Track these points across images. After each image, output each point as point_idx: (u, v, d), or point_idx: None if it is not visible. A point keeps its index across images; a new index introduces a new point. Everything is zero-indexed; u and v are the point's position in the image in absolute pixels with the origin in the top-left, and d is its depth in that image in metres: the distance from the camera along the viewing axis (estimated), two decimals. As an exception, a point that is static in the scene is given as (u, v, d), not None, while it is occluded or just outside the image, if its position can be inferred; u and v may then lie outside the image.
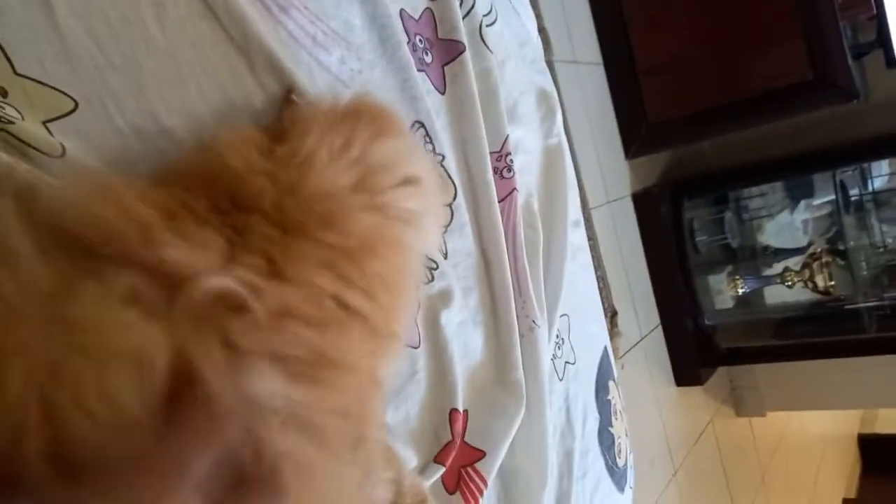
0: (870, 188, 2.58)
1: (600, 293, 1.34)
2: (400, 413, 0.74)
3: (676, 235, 2.50)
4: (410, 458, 0.74)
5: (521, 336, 0.89)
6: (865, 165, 2.54)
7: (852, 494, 4.07)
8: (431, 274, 0.81)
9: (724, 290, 2.69)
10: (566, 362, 1.00)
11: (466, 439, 0.81)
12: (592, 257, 1.18)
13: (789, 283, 2.60)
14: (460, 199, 0.87)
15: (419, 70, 0.83)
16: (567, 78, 2.21)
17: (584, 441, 0.99)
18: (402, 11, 0.81)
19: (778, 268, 2.67)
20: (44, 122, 0.53)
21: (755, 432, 3.01)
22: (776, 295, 2.79)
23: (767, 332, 2.76)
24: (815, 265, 2.53)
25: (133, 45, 0.59)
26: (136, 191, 0.44)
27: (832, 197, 2.58)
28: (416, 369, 0.77)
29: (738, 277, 2.73)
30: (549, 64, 1.40)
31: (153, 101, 0.60)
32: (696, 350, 2.54)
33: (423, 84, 0.83)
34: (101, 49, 0.57)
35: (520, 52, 1.03)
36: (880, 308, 2.47)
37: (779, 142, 2.56)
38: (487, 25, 0.93)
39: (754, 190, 2.74)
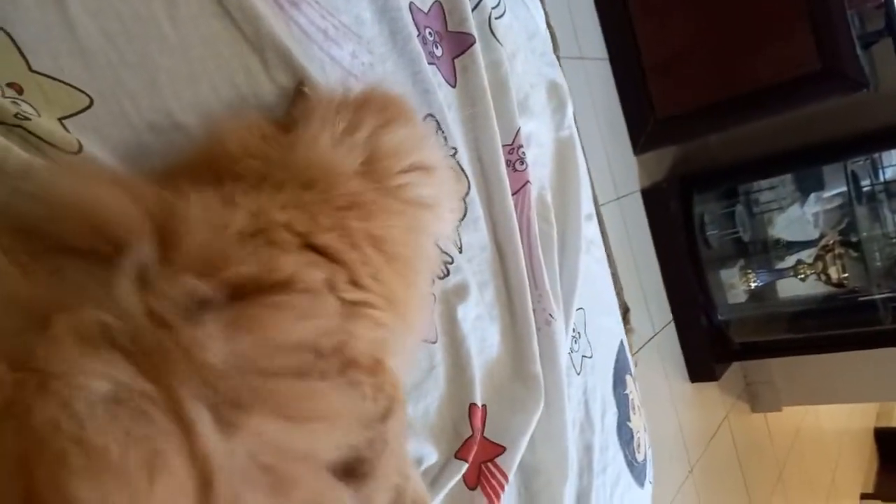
0: (881, 178, 2.55)
1: (613, 288, 1.32)
2: (419, 408, 0.74)
3: (687, 230, 2.48)
4: (430, 454, 0.73)
5: (538, 329, 0.88)
6: (876, 155, 2.51)
7: (870, 489, 4.03)
8: (447, 268, 0.81)
9: (737, 285, 2.67)
10: (583, 356, 1.00)
11: (486, 434, 0.80)
12: (604, 253, 1.18)
13: (802, 276, 2.57)
14: (473, 192, 0.86)
15: (430, 63, 0.83)
16: (573, 74, 2.20)
17: (603, 435, 0.99)
18: (411, 5, 0.81)
19: (790, 261, 2.65)
20: (60, 119, 0.53)
21: (771, 428, 2.98)
22: (789, 288, 2.76)
23: (781, 326, 2.73)
24: (828, 257, 2.51)
25: (146, 42, 0.59)
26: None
27: (842, 189, 2.56)
28: (434, 364, 0.76)
29: (750, 271, 2.71)
30: (556, 60, 1.39)
31: (167, 97, 0.60)
32: (709, 345, 2.51)
33: (435, 77, 0.83)
34: (114, 46, 0.57)
35: (529, 45, 1.03)
36: (895, 299, 2.45)
37: (788, 134, 2.54)
38: (496, 18, 0.93)
39: (764, 183, 2.72)
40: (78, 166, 0.49)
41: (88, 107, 0.55)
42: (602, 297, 1.11)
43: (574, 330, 0.98)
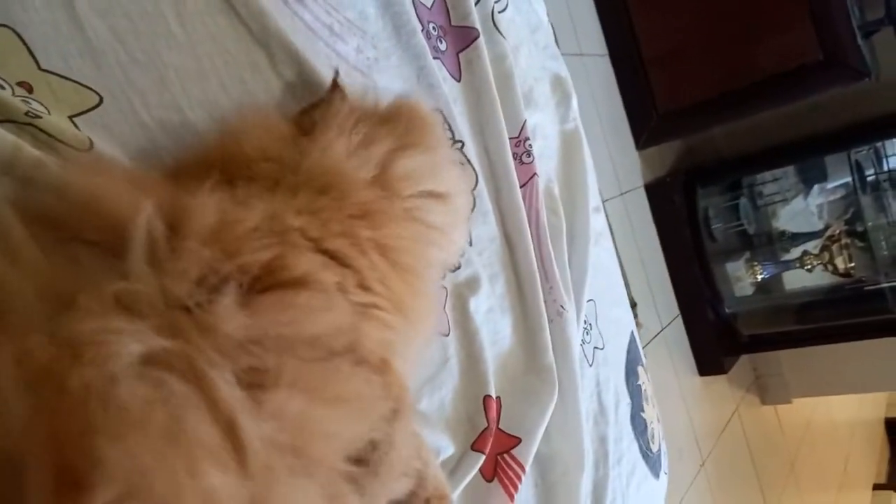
0: (885, 167, 2.55)
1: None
2: (434, 401, 0.74)
3: (691, 224, 2.47)
4: (447, 447, 0.73)
5: (550, 321, 0.88)
6: (879, 144, 2.51)
7: (882, 479, 4.01)
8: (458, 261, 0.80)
9: (743, 277, 2.66)
10: (595, 347, 0.99)
11: (501, 426, 0.80)
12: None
13: (809, 267, 2.57)
14: (481, 185, 0.86)
15: (434, 58, 0.83)
16: (573, 71, 2.17)
17: (617, 427, 0.98)
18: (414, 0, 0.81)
19: (796, 252, 2.64)
20: (70, 117, 0.53)
21: (781, 420, 2.97)
22: (796, 280, 2.75)
23: (789, 318, 2.72)
24: (835, 247, 2.50)
25: (154, 40, 0.59)
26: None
27: (846, 180, 2.56)
28: (448, 356, 0.76)
29: (756, 264, 2.70)
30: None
31: (176, 94, 0.60)
32: (717, 338, 2.51)
33: (440, 71, 0.83)
34: (123, 44, 0.57)
35: (532, 38, 1.03)
36: (902, 287, 2.44)
37: (790, 125, 2.54)
38: (499, 12, 0.93)
39: (768, 175, 2.72)
40: (89, 161, 0.49)
41: (98, 104, 0.55)
42: (612, 289, 1.11)
43: (585, 321, 0.98)
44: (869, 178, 2.53)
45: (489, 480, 0.76)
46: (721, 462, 2.44)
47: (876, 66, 2.19)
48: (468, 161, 0.85)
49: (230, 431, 0.32)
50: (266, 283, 0.41)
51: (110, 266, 0.37)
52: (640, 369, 1.11)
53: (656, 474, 1.06)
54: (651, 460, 1.05)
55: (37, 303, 0.34)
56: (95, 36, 0.56)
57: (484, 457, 0.74)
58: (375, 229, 0.52)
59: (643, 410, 1.07)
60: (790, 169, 2.70)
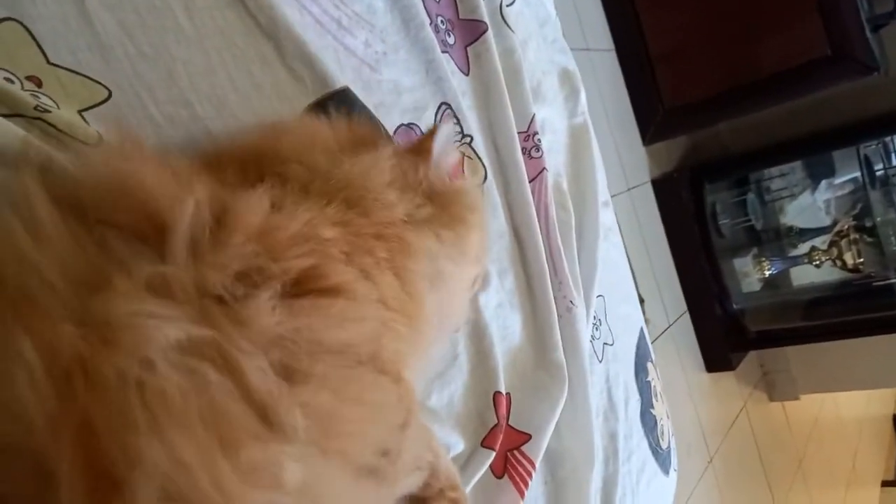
0: (894, 162, 2.53)
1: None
2: (444, 397, 0.73)
3: (699, 220, 2.46)
4: (457, 443, 0.72)
5: (560, 317, 0.88)
6: (888, 139, 2.49)
7: (891, 476, 3.99)
8: (467, 256, 0.80)
9: (751, 273, 2.65)
10: (604, 343, 0.99)
11: (511, 422, 0.79)
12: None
13: (817, 263, 2.55)
14: (490, 180, 0.86)
15: (443, 52, 0.82)
16: (580, 66, 2.18)
17: (627, 423, 0.98)
18: (422, -8, 0.81)
19: (804, 248, 2.63)
20: (79, 111, 0.53)
21: (789, 416, 2.96)
22: (804, 275, 2.74)
23: (797, 314, 2.71)
24: (843, 243, 2.49)
25: (162, 34, 0.59)
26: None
27: (853, 175, 2.54)
28: (457, 352, 0.76)
29: (764, 259, 2.69)
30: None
31: (185, 89, 0.60)
32: (725, 335, 2.50)
33: (448, 65, 0.83)
34: (131, 38, 0.57)
35: (540, 32, 1.02)
36: (911, 283, 2.43)
37: (799, 120, 2.52)
38: (507, 5, 0.92)
39: (775, 171, 2.70)
40: (116, 146, 0.49)
41: (107, 99, 0.55)
42: (621, 284, 1.10)
43: (595, 317, 0.97)
44: (878, 174, 2.51)
45: (499, 477, 0.76)
46: (729, 458, 2.43)
47: (885, 61, 2.17)
48: (476, 155, 0.84)
49: (265, 419, 0.31)
50: (304, 288, 0.41)
51: (138, 251, 0.37)
52: (649, 365, 1.10)
53: (666, 471, 1.06)
54: (661, 457, 1.04)
55: (63, 285, 0.32)
56: (104, 30, 0.55)
57: (494, 453, 0.74)
58: (391, 253, 0.52)
59: (653, 407, 1.06)
60: (798, 164, 2.68)
